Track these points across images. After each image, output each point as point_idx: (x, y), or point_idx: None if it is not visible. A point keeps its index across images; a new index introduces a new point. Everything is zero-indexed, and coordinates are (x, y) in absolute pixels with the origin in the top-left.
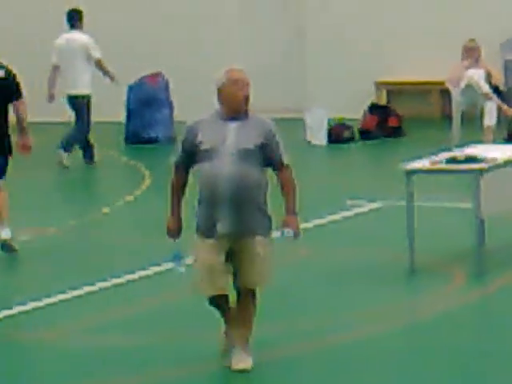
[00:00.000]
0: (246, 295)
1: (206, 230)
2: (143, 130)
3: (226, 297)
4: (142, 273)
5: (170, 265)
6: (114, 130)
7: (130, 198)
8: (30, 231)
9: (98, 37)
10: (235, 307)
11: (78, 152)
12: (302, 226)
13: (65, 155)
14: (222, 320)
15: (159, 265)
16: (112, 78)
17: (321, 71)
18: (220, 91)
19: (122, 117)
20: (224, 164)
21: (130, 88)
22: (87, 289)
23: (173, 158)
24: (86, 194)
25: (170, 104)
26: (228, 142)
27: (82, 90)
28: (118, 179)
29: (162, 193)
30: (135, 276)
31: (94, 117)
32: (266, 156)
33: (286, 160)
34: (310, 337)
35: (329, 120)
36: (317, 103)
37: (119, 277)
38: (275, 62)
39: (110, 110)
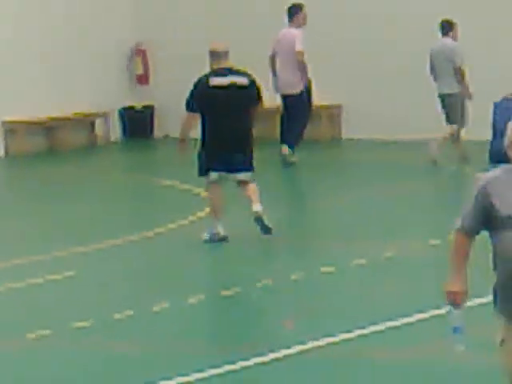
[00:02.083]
0: None
1: (508, 311)
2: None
3: None
4: None
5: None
6: (480, 148)
7: None
8: (394, 247)
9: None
10: None
11: None
12: None
13: None
14: None
15: None
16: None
17: None
18: (508, 147)
19: (488, 135)
20: None
21: (496, 106)
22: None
23: (459, 222)
24: (449, 210)
25: None
26: None
27: None
28: None
29: None
30: None
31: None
32: None
33: None
34: None
35: None
36: None
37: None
38: None
39: (477, 128)
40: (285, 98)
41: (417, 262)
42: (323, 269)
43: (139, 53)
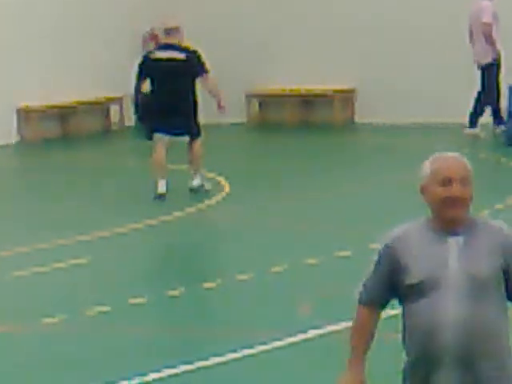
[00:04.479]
0: None
1: None
2: None
3: None
4: None
5: None
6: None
7: (510, 200)
8: None
9: None
10: None
11: None
12: None
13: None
14: None
15: None
16: None
17: None
18: (423, 190)
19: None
20: (446, 303)
21: (511, 89)
22: None
23: (359, 290)
24: None
25: None
26: (450, 270)
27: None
28: (499, 181)
29: None
30: None
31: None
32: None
33: None
34: None
35: None
36: None
37: None
38: None
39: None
40: (480, 69)
41: None
42: (338, 253)
43: (153, 38)
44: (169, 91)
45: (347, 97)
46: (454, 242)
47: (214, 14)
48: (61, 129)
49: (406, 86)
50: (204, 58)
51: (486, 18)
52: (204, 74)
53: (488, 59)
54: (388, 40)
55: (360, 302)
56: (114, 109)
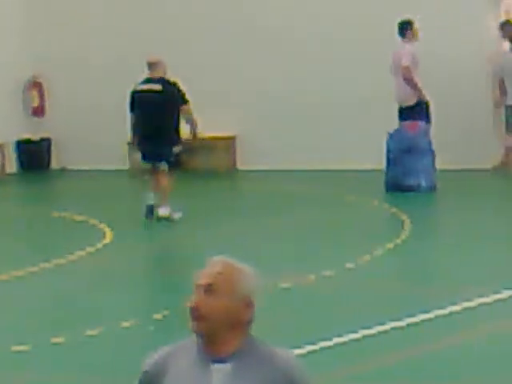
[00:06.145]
0: None
1: None
2: (404, 178)
3: None
4: (394, 324)
5: None
6: (375, 177)
7: (390, 245)
8: (290, 279)
9: None
10: None
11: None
12: None
13: None
14: None
15: (413, 316)
16: None
17: None
18: None
19: (382, 164)
20: None
21: (391, 136)
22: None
23: None
24: (344, 241)
25: (431, 152)
26: None
27: None
28: (379, 227)
29: (422, 241)
30: (387, 327)
31: (356, 165)
32: None
33: None
34: None
35: None
36: None
37: (369, 328)
38: None
39: (372, 157)
40: (400, 110)
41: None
42: None
43: (36, 85)
44: (148, 121)
45: (229, 144)
46: (220, 371)
47: (100, 64)
48: None
49: (290, 132)
50: (183, 88)
51: (405, 62)
52: (184, 105)
53: (411, 102)
54: (271, 87)
55: None
56: None
